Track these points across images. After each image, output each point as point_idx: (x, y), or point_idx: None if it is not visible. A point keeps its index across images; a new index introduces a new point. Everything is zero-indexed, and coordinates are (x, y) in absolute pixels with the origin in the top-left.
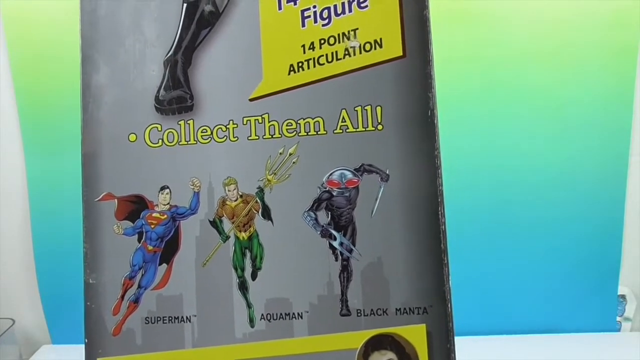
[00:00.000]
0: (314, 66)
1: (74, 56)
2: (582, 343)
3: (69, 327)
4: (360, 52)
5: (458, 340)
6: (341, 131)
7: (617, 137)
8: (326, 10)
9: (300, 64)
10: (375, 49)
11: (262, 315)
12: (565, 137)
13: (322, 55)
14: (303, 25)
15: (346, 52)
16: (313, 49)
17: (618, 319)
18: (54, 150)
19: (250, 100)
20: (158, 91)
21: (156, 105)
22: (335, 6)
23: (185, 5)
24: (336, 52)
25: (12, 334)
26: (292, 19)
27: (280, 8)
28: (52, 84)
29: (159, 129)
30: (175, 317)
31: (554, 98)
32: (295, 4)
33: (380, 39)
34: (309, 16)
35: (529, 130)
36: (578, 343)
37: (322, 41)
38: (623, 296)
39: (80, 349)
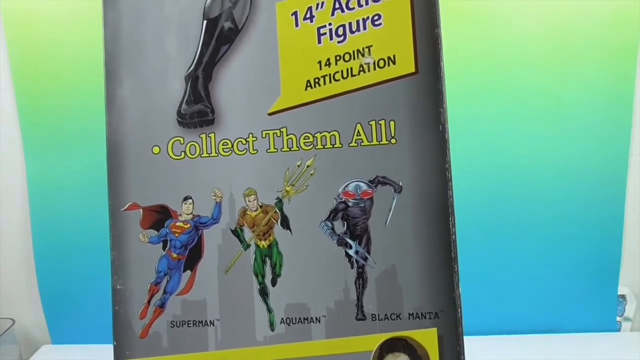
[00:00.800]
0: (330, 82)
1: (74, 56)
2: (582, 343)
3: (69, 327)
4: (375, 69)
5: None
6: (356, 145)
7: (617, 137)
8: (341, 28)
9: (316, 80)
10: (388, 65)
11: (282, 319)
12: (565, 137)
13: (338, 72)
14: (319, 42)
15: (361, 69)
16: (329, 65)
17: (618, 319)
18: (54, 150)
19: (269, 114)
20: (180, 105)
21: (178, 119)
22: (350, 24)
23: (205, 22)
24: (351, 68)
25: (12, 334)
26: (309, 36)
27: (297, 25)
28: (52, 84)
29: (182, 141)
30: (199, 321)
31: (554, 98)
32: (311, 21)
33: (394, 56)
34: (325, 33)
35: (529, 130)
36: (578, 343)
37: (338, 58)
38: (623, 296)
39: (80, 348)
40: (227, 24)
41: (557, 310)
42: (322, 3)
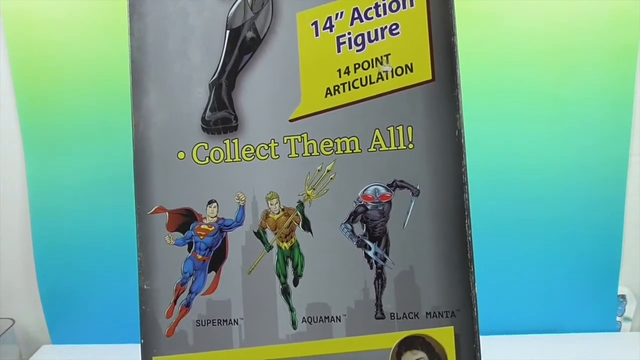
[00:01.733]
0: (349, 89)
1: (74, 56)
2: (582, 343)
3: (69, 327)
4: (392, 76)
5: None
6: (375, 150)
7: (617, 137)
8: (360, 37)
9: (336, 87)
10: (406, 73)
11: (304, 318)
12: (565, 137)
13: (357, 79)
14: (339, 51)
15: (379, 76)
16: (348, 73)
17: (618, 319)
18: (54, 150)
19: (290, 121)
20: (204, 112)
21: (203, 125)
22: (368, 33)
23: (228, 32)
24: (370, 76)
25: (12, 334)
26: (329, 45)
27: (317, 35)
28: (52, 84)
29: (206, 147)
30: (224, 320)
31: (554, 98)
32: (331, 30)
33: (411, 64)
34: (344, 42)
35: (529, 130)
36: (578, 343)
37: (357, 66)
38: (623, 296)
39: (80, 348)
40: (250, 34)
41: (557, 310)
42: (342, 13)
